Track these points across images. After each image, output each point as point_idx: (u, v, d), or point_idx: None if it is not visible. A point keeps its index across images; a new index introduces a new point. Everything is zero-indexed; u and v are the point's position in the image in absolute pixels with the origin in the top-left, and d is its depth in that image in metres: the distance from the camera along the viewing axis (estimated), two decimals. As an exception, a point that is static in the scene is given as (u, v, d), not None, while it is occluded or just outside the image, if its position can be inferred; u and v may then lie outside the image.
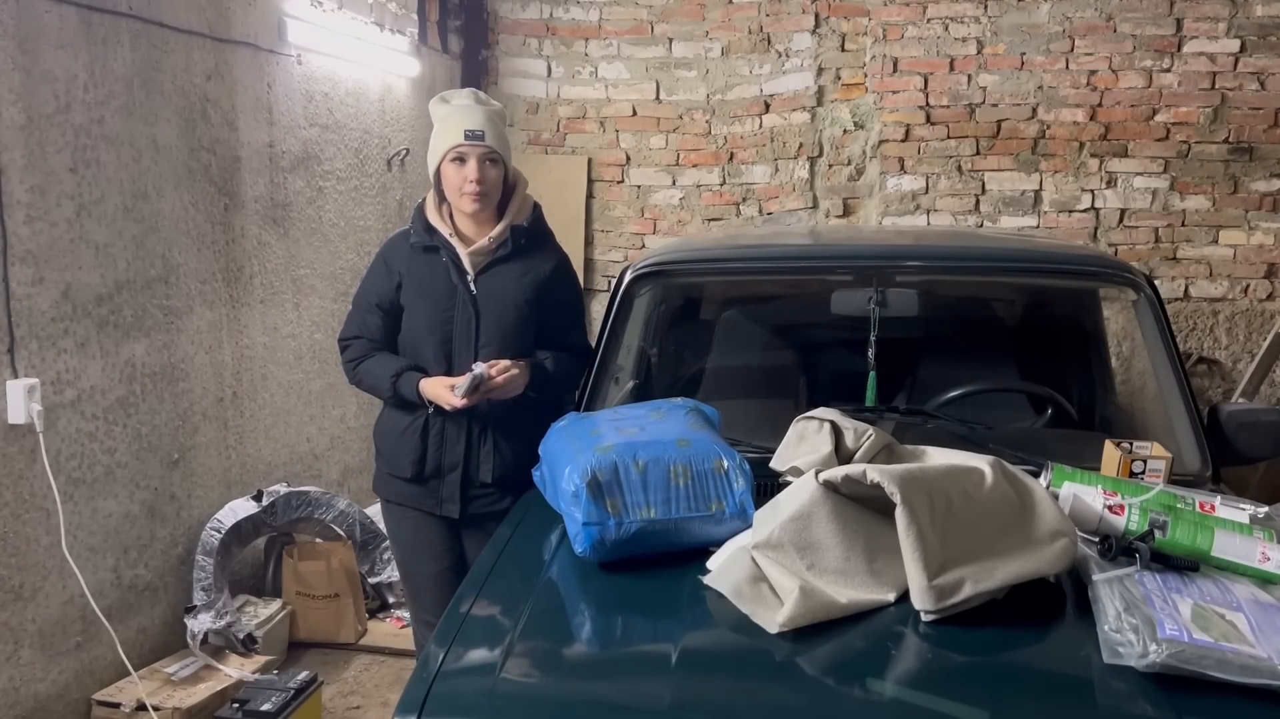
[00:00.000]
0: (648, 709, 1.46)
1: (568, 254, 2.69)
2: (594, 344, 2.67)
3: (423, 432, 2.53)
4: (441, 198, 2.54)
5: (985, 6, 5.05)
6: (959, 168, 5.15)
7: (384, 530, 3.86)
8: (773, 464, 2.06)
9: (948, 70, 5.10)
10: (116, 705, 3.02)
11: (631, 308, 2.74)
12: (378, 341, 2.59)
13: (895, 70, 5.15)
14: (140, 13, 3.15)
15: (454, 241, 2.50)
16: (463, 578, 1.97)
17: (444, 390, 2.41)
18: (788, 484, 1.91)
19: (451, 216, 2.54)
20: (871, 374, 2.46)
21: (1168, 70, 4.94)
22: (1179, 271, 5.06)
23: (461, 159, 2.45)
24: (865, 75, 5.21)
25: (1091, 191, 5.07)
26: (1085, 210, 5.08)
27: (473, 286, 2.50)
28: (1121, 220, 5.06)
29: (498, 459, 2.51)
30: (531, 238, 2.55)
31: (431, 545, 2.61)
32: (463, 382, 2.36)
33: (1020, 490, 1.74)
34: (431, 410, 2.50)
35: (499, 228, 2.50)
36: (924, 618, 1.59)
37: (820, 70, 5.25)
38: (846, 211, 5.32)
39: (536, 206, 2.61)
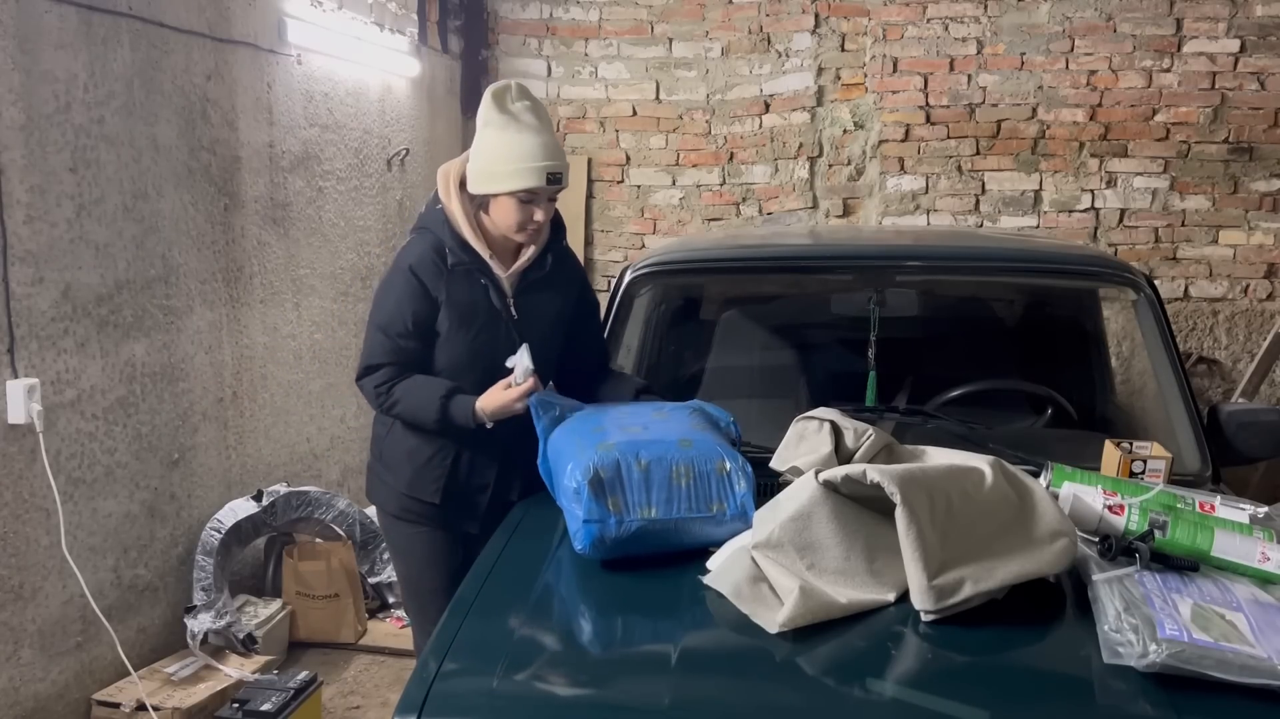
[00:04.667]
0: (648, 709, 1.46)
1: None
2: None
3: (455, 458, 2.38)
4: (476, 214, 2.33)
5: (985, 6, 5.05)
6: (959, 168, 5.15)
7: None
8: (773, 464, 2.06)
9: (948, 70, 5.10)
10: (116, 705, 3.02)
11: (631, 308, 2.74)
12: (413, 369, 2.35)
13: (895, 70, 5.15)
14: (140, 13, 3.15)
15: (493, 264, 2.32)
16: None
17: (504, 395, 2.20)
18: (788, 484, 1.91)
19: (485, 236, 2.34)
20: (871, 374, 2.47)
21: (1168, 70, 4.94)
22: (1179, 271, 5.06)
23: (532, 199, 2.24)
24: (865, 75, 5.21)
25: (1091, 191, 5.07)
26: (1085, 210, 5.08)
27: (514, 310, 2.36)
28: (1121, 220, 5.06)
29: (526, 478, 2.32)
30: (558, 252, 2.43)
31: (443, 561, 2.47)
32: (519, 370, 2.17)
33: (1020, 490, 1.74)
34: (481, 426, 2.27)
35: (533, 247, 2.35)
36: (924, 618, 1.59)
37: (820, 70, 5.25)
38: (846, 211, 5.32)
39: (557, 215, 2.44)
